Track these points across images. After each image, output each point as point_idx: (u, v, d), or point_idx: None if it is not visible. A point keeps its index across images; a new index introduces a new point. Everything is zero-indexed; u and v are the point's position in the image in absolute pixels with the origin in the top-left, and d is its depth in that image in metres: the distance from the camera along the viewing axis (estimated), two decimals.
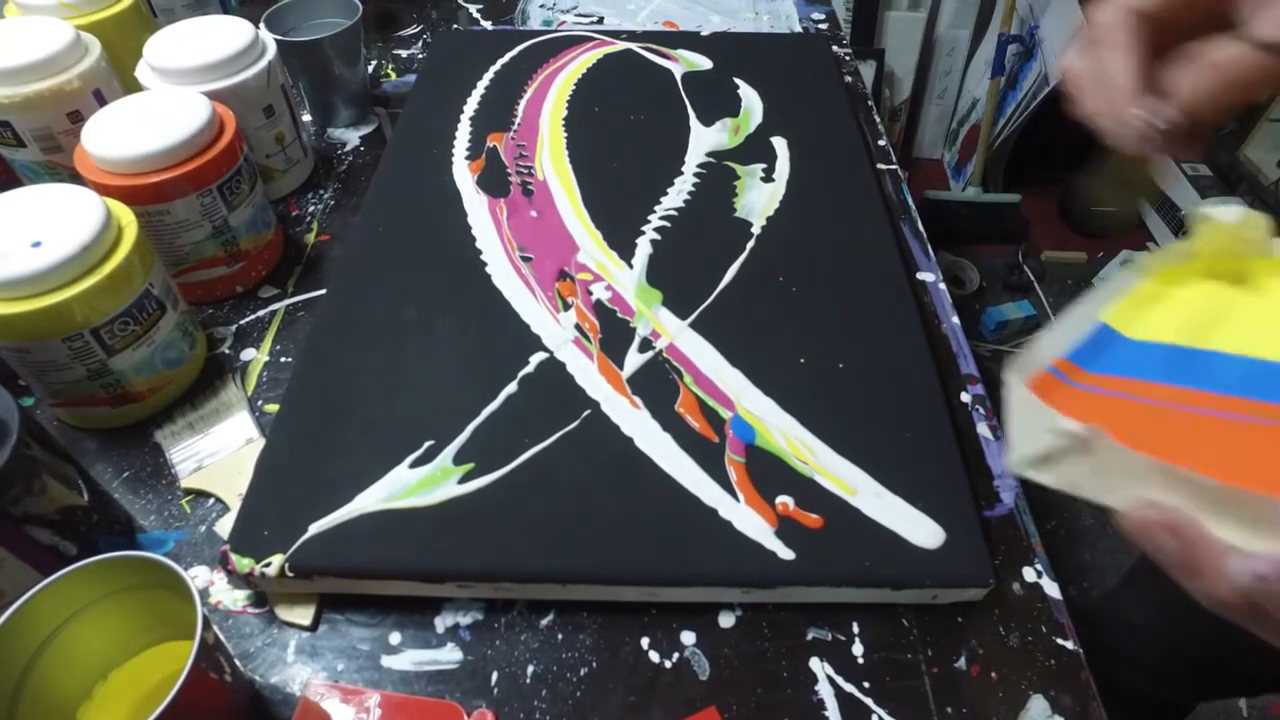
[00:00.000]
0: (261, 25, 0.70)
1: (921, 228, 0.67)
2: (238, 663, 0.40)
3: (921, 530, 0.44)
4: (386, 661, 0.42)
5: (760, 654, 0.42)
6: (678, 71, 0.78)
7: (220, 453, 0.51)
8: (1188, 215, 0.28)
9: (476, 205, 0.64)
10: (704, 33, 0.85)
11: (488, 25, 0.94)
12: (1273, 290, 0.24)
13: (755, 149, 0.69)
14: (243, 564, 0.42)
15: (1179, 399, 0.23)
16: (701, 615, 0.44)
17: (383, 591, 0.44)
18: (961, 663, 0.42)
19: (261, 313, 0.61)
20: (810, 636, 0.43)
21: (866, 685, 0.41)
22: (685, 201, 0.64)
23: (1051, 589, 0.45)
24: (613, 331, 0.54)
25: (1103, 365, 0.25)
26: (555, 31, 0.85)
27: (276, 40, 0.67)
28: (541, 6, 0.96)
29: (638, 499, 0.45)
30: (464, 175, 0.67)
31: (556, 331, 0.54)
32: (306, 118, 0.78)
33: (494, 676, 0.42)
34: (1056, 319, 0.27)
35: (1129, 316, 0.26)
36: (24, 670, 0.35)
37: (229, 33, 0.63)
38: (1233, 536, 0.21)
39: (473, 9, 0.96)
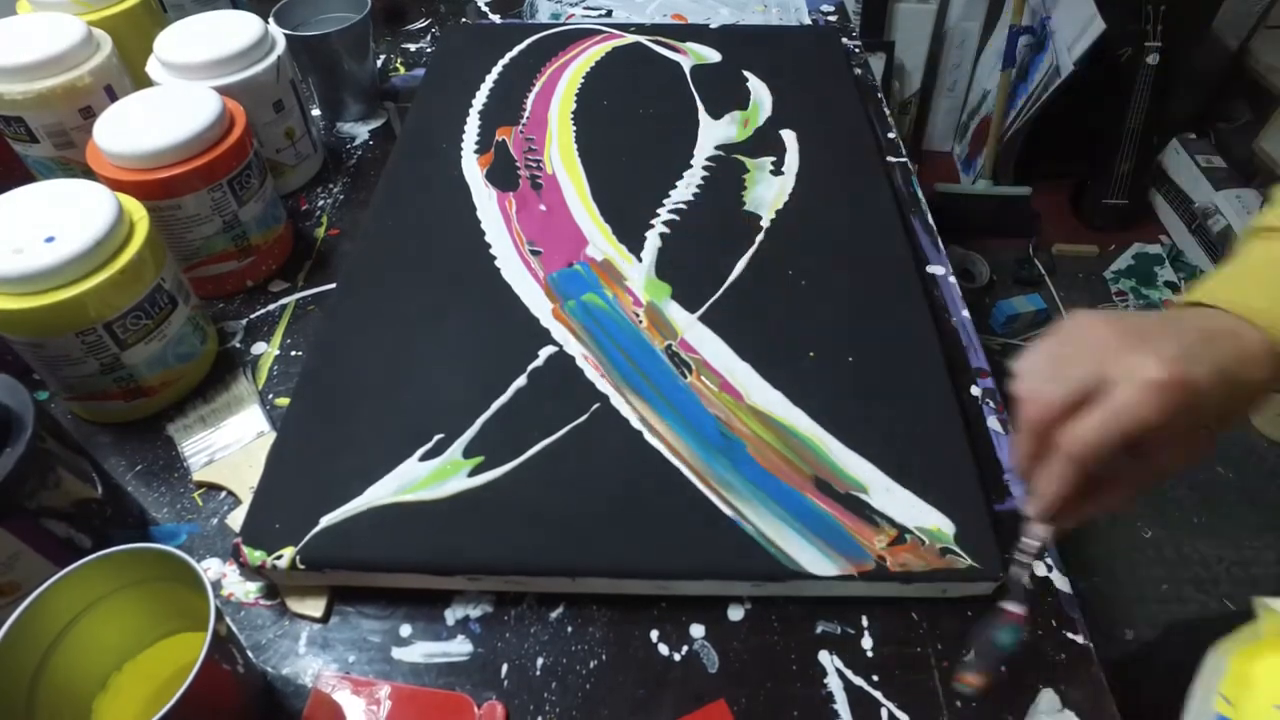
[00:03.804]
0: (270, 20, 0.70)
1: (931, 221, 0.67)
2: (250, 654, 0.40)
3: (932, 524, 0.44)
4: (397, 654, 0.43)
5: (769, 647, 0.42)
6: (686, 64, 0.78)
7: (232, 446, 0.51)
8: (1258, 607, 0.34)
9: (485, 199, 0.64)
10: (713, 25, 0.85)
11: (496, 19, 0.93)
12: None
13: (764, 142, 0.69)
14: (254, 556, 0.42)
15: None
16: (711, 608, 0.44)
17: (393, 584, 0.44)
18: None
19: (272, 307, 0.61)
20: (819, 630, 0.43)
21: (876, 679, 0.41)
22: (694, 195, 0.64)
23: (1061, 583, 0.45)
24: None
25: None
26: (563, 25, 0.85)
27: (285, 35, 0.67)
28: None
29: (647, 492, 0.45)
30: (473, 169, 0.67)
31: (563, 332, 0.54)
32: (316, 113, 0.79)
33: (504, 669, 0.42)
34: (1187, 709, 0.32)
35: (1236, 701, 0.32)
36: (41, 661, 0.35)
37: (238, 28, 0.63)
38: None
39: (481, 2, 0.96)
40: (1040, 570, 0.45)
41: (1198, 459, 0.35)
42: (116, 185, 0.51)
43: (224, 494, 0.50)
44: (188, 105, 0.55)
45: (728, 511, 0.44)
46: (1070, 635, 0.43)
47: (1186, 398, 0.31)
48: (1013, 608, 0.38)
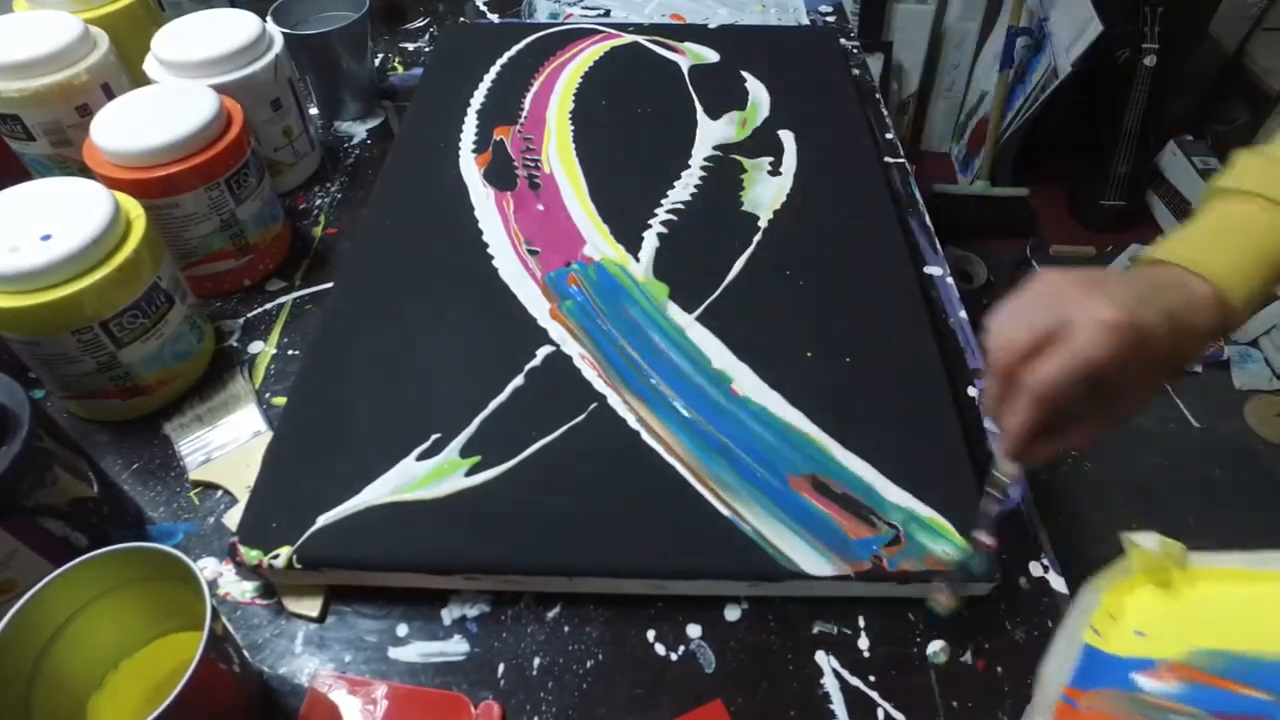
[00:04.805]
0: (268, 19, 0.70)
1: (929, 221, 0.67)
2: (246, 654, 0.40)
3: None
4: (394, 653, 0.42)
5: (766, 647, 0.42)
6: (685, 64, 0.78)
7: (228, 445, 0.51)
8: (1125, 543, 0.35)
9: (483, 199, 0.64)
10: (711, 25, 0.85)
11: (494, 18, 0.93)
12: (1186, 595, 0.34)
13: (762, 142, 0.69)
14: (251, 556, 0.42)
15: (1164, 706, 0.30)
16: (708, 608, 0.44)
17: (390, 584, 0.44)
18: (967, 657, 0.42)
19: (269, 306, 0.61)
20: (816, 630, 0.43)
21: (872, 679, 0.41)
22: (692, 195, 0.64)
23: (1058, 583, 0.45)
24: None
25: (1094, 682, 0.32)
26: (562, 24, 0.85)
27: (284, 34, 0.67)
28: None
29: (644, 492, 0.45)
30: (471, 169, 0.67)
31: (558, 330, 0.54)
32: (314, 111, 0.79)
33: (500, 668, 0.42)
34: (1050, 647, 0.33)
35: (1103, 631, 0.33)
36: (37, 659, 0.35)
37: (236, 26, 0.63)
38: None
39: (479, 2, 0.96)
40: (1036, 570, 0.45)
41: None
42: (113, 183, 0.51)
43: (221, 493, 0.49)
44: (185, 103, 0.55)
45: (725, 511, 0.44)
46: None
47: (1136, 336, 0.34)
48: (984, 539, 0.41)
